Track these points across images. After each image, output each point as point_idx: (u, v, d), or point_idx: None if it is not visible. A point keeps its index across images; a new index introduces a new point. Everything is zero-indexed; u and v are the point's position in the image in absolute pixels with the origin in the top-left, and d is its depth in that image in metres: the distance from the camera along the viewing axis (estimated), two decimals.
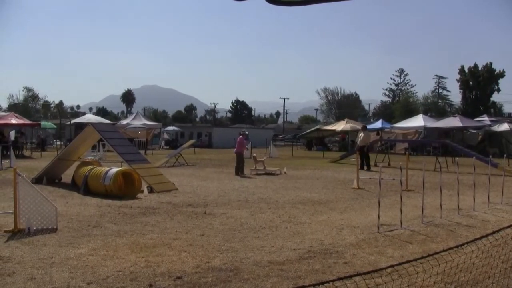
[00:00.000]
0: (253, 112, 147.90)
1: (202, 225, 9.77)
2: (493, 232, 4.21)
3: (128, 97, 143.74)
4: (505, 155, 18.96)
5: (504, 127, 39.80)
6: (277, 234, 9.05)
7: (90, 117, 50.71)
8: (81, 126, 37.64)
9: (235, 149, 22.13)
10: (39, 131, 48.56)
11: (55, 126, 54.85)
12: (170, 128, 66.31)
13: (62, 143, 45.35)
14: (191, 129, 70.23)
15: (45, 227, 9.02)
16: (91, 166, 15.25)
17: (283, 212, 11.42)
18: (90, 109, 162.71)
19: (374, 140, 31.15)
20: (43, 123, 51.74)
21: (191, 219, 10.49)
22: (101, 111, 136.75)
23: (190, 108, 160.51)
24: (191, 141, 35.90)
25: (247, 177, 20.08)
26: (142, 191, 14.15)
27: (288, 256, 7.38)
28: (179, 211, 11.49)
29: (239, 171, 21.19)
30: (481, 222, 10.38)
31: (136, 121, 50.29)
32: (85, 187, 14.26)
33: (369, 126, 35.86)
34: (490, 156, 16.81)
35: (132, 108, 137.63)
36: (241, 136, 22.60)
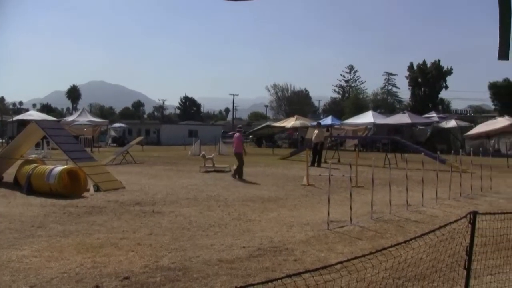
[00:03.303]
0: (202, 109, 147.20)
1: (150, 224, 9.63)
2: (440, 227, 4.28)
3: (74, 93, 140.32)
4: (452, 151, 19.52)
5: (452, 123, 40.99)
6: (227, 232, 9.01)
7: (33, 114, 49.51)
8: (24, 123, 36.59)
9: (234, 149, 19.62)
10: None
11: None
12: (117, 125, 65.19)
13: (3, 141, 43.99)
14: (138, 126, 69.29)
15: None
16: (35, 165, 14.85)
17: (232, 210, 11.39)
18: (34, 105, 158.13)
19: (324, 136, 31.54)
20: None
21: (139, 218, 10.33)
22: (46, 108, 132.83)
23: (138, 105, 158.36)
24: (139, 138, 35.47)
25: (198, 175, 19.91)
26: (88, 190, 13.87)
27: (238, 254, 7.36)
28: (126, 210, 11.30)
29: (238, 173, 18.47)
30: (429, 217, 10.64)
31: (82, 118, 49.34)
32: (28, 186, 13.85)
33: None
34: (438, 152, 17.26)
35: (78, 105, 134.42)
36: (238, 133, 20.26)
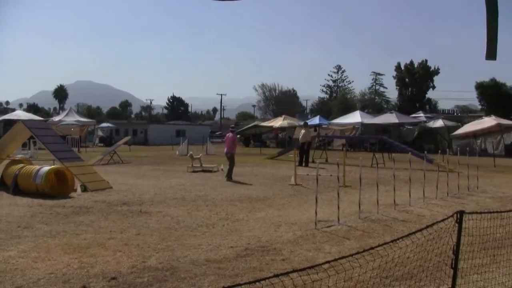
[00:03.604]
0: (189, 109, 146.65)
1: (137, 224, 9.58)
2: (427, 227, 4.30)
3: (61, 93, 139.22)
4: (439, 151, 19.60)
5: (439, 123, 41.19)
6: (214, 232, 8.99)
7: (20, 114, 49.10)
8: (10, 123, 36.34)
9: (225, 149, 19.02)
10: None
11: None
12: (104, 125, 64.75)
13: None
14: (126, 126, 68.85)
15: None
16: (21, 165, 14.72)
17: (220, 210, 11.37)
18: (21, 105, 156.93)
19: (312, 136, 31.55)
20: None
21: (126, 218, 10.27)
22: (32, 108, 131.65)
23: (125, 105, 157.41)
24: (126, 138, 35.31)
25: (185, 174, 19.86)
26: (75, 190, 13.79)
27: (226, 254, 7.34)
28: (113, 210, 11.23)
29: (230, 175, 18.02)
30: (417, 216, 10.68)
31: (69, 118, 49.02)
32: (14, 186, 13.72)
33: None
34: (425, 152, 17.32)
35: (65, 105, 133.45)
36: (231, 134, 19.31)
